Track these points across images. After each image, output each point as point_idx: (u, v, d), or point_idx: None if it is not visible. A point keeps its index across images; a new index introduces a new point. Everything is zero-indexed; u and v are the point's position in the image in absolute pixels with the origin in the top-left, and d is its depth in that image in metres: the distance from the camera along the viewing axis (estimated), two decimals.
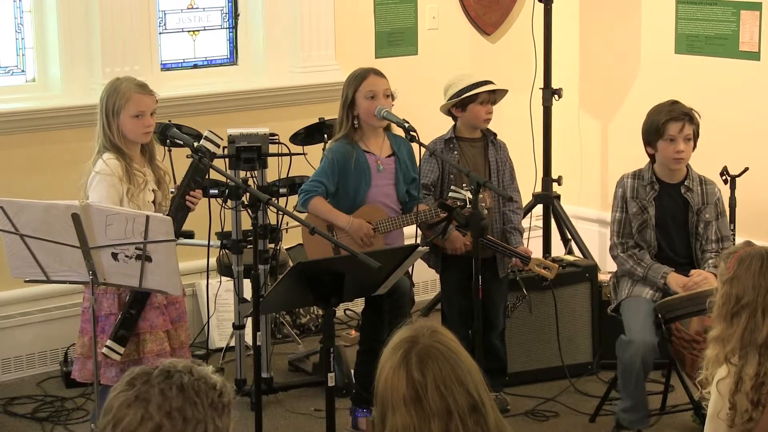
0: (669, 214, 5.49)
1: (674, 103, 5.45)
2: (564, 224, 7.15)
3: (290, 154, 5.77)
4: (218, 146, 5.22)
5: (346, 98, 5.54)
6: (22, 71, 6.37)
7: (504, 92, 5.79)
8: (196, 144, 5.04)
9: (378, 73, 5.56)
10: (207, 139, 5.14)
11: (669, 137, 5.37)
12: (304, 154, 5.99)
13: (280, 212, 5.16)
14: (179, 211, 5.04)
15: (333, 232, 5.44)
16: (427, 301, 7.20)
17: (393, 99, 5.56)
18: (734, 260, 3.76)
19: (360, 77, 5.54)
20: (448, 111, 5.80)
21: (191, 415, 2.34)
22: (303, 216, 5.43)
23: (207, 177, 5.16)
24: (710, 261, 5.40)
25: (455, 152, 5.74)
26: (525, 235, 6.04)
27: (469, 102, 5.70)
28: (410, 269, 5.16)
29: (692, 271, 5.36)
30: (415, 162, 5.72)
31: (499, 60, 7.53)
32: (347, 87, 5.55)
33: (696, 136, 5.42)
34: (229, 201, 5.52)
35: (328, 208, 5.49)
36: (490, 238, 5.65)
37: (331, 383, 4.49)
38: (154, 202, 5.07)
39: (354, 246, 5.12)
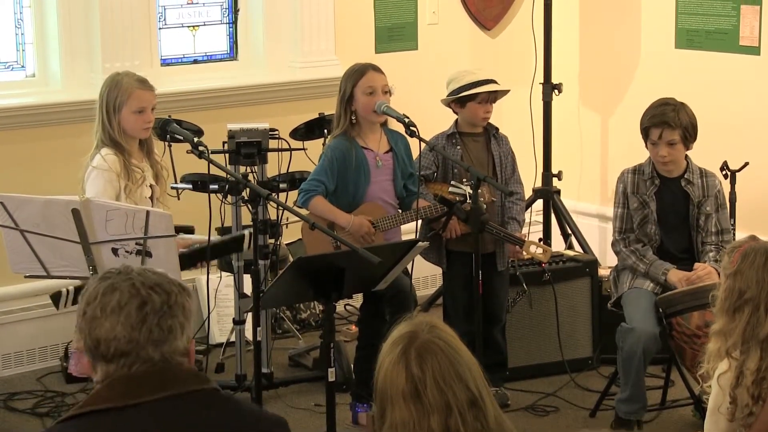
0: (670, 208, 5.49)
1: (663, 104, 5.40)
2: (564, 219, 7.15)
3: (290, 150, 5.77)
4: None
5: (344, 94, 5.53)
6: (22, 66, 6.36)
7: (505, 92, 5.77)
8: (195, 139, 5.04)
9: (377, 69, 5.56)
10: None
11: (651, 141, 5.38)
12: (304, 149, 5.99)
13: (280, 207, 5.16)
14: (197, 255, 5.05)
15: (334, 230, 5.44)
16: (427, 296, 7.19)
17: (390, 95, 5.56)
18: (738, 254, 3.76)
19: (359, 73, 5.53)
20: (448, 104, 5.80)
21: (170, 289, 2.60)
22: (303, 211, 5.43)
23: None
24: (710, 254, 5.40)
25: (458, 147, 5.73)
26: (525, 230, 6.03)
27: (469, 100, 5.69)
28: (410, 267, 5.16)
29: (696, 265, 5.36)
30: (411, 157, 5.72)
31: (499, 55, 7.53)
32: (345, 82, 5.54)
33: (687, 138, 5.37)
34: (229, 196, 5.52)
35: (328, 207, 5.49)
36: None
37: (331, 378, 4.50)
38: (151, 197, 5.07)
39: (354, 243, 5.12)
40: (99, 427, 2.53)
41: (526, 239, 5.78)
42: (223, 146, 5.64)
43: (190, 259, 4.97)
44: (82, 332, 2.61)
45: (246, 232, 5.21)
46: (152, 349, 2.56)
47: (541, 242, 5.86)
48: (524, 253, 5.77)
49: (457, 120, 5.81)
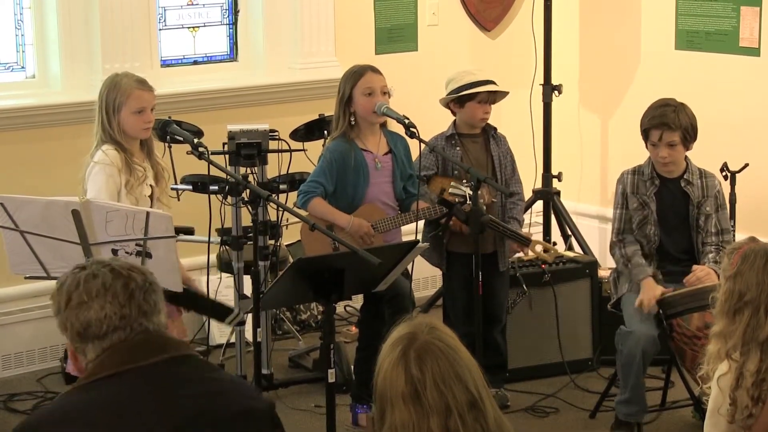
0: (670, 208, 5.49)
1: (664, 105, 5.40)
2: (564, 220, 7.15)
3: (290, 151, 5.77)
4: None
5: (343, 95, 5.52)
6: (22, 68, 6.36)
7: (504, 94, 5.77)
8: (195, 140, 5.04)
9: (375, 70, 5.55)
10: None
11: (651, 142, 5.39)
12: (304, 150, 5.99)
13: (280, 208, 5.16)
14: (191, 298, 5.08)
15: (333, 231, 5.43)
16: (427, 297, 7.19)
17: (389, 96, 5.56)
18: (738, 256, 3.76)
19: (357, 74, 5.53)
20: (446, 104, 5.79)
21: (145, 270, 2.77)
22: (303, 212, 5.42)
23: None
24: (710, 255, 5.39)
25: (458, 148, 5.73)
26: (525, 231, 6.03)
27: (468, 100, 5.69)
28: (409, 268, 5.16)
29: (695, 267, 5.36)
30: (411, 158, 5.71)
31: (499, 56, 7.53)
32: (344, 84, 5.54)
33: (687, 139, 5.36)
34: (229, 197, 5.52)
35: (328, 209, 5.49)
36: (492, 218, 5.59)
37: (331, 379, 4.49)
38: (151, 196, 5.07)
39: (354, 244, 5.11)
40: (101, 393, 2.66)
41: (531, 238, 5.79)
42: (223, 147, 5.64)
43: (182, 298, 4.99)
44: (68, 321, 2.71)
45: (237, 311, 5.23)
46: (144, 320, 2.71)
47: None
48: (529, 251, 5.77)
49: (455, 121, 5.81)
